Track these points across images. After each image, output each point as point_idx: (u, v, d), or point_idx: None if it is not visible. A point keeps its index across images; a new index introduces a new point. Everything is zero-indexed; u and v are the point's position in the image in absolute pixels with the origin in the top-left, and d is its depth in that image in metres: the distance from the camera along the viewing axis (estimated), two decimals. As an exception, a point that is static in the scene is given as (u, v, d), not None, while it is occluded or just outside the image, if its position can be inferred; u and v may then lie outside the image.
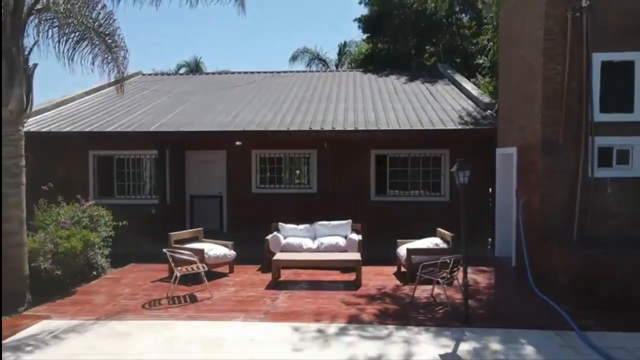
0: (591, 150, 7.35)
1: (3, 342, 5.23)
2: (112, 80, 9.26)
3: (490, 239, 10.92)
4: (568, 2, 7.33)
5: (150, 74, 20.17)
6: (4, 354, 4.89)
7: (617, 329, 5.49)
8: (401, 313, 6.21)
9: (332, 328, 5.57)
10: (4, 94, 6.46)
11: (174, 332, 5.53)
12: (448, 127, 11.04)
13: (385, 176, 12.42)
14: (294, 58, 28.01)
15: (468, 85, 14.25)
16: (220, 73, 21.62)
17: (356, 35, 36.65)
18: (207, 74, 21.89)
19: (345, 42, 28.62)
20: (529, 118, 8.15)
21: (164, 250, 7.48)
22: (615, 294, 6.37)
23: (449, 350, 4.89)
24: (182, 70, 30.07)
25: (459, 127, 11.11)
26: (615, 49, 7.31)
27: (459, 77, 15.33)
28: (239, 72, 19.12)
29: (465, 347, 4.99)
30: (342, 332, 5.46)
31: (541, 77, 7.59)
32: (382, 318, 5.99)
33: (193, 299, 6.90)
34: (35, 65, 6.87)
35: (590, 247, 7.00)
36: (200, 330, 5.58)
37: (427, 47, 23.59)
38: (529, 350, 4.91)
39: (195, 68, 30.56)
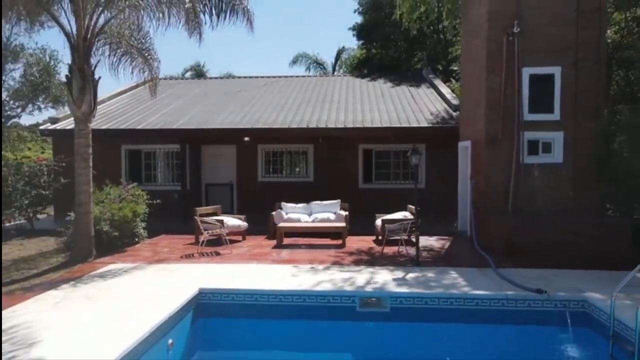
0: (522, 142, 9.56)
1: (88, 274, 7.48)
2: (146, 83, 11.22)
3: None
4: (504, 29, 9.56)
5: (165, 79, 22.36)
6: (95, 279, 7.13)
7: (524, 268, 7.69)
8: (371, 261, 8.46)
9: (320, 267, 7.80)
10: (78, 99, 8.69)
11: (208, 268, 7.78)
12: (422, 125, 13.27)
13: (371, 167, 14.66)
14: (294, 61, 30.15)
15: (444, 89, 16.46)
16: (227, 77, 23.89)
17: (352, 42, 38.56)
18: (216, 78, 24.05)
19: (343, 47, 30.67)
20: (477, 118, 10.36)
21: (195, 217, 9.74)
22: (533, 248, 8.62)
23: (400, 277, 7.11)
24: (188, 74, 32.37)
25: (432, 125, 13.36)
26: (540, 65, 9.50)
27: (437, 82, 17.53)
28: (245, 77, 21.33)
29: (411, 275, 7.21)
30: (326, 269, 7.68)
31: (485, 86, 9.81)
32: (357, 263, 8.24)
33: (217, 254, 9.14)
34: (99, 77, 9.06)
35: (517, 218, 9.23)
36: (227, 268, 7.82)
37: (415, 53, 25.73)
38: (453, 276, 7.13)
39: (199, 72, 32.86)
